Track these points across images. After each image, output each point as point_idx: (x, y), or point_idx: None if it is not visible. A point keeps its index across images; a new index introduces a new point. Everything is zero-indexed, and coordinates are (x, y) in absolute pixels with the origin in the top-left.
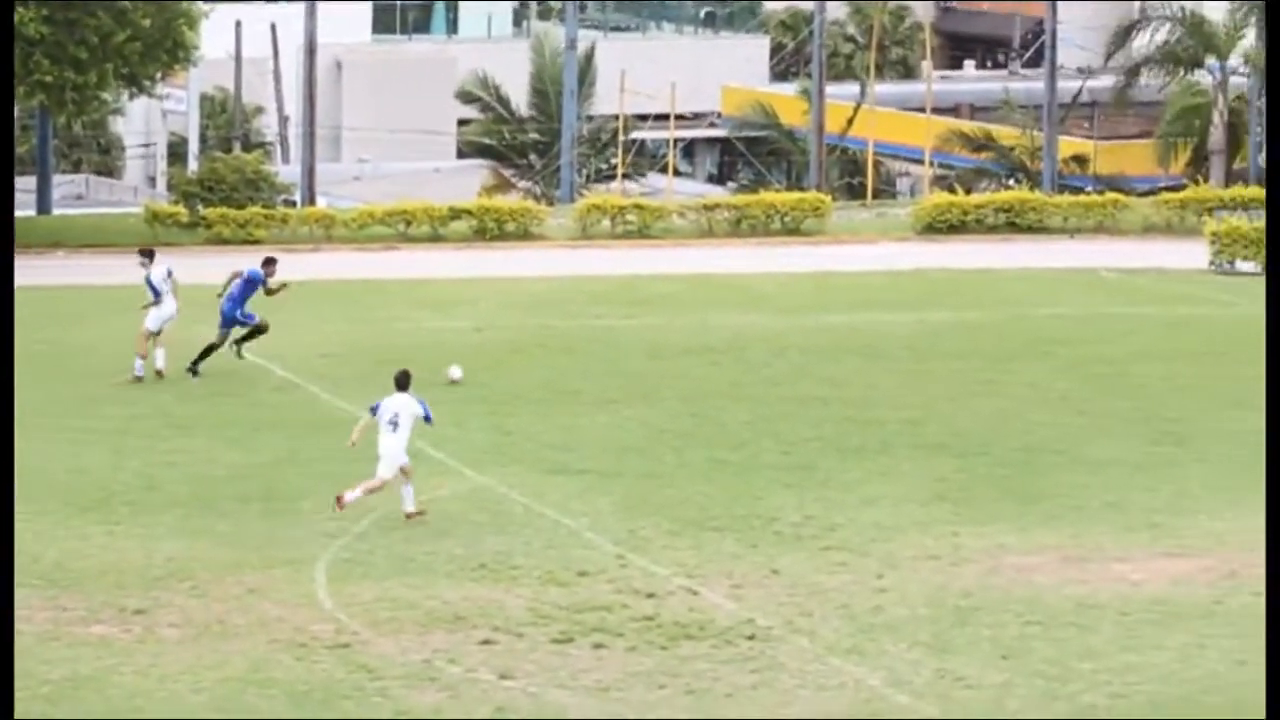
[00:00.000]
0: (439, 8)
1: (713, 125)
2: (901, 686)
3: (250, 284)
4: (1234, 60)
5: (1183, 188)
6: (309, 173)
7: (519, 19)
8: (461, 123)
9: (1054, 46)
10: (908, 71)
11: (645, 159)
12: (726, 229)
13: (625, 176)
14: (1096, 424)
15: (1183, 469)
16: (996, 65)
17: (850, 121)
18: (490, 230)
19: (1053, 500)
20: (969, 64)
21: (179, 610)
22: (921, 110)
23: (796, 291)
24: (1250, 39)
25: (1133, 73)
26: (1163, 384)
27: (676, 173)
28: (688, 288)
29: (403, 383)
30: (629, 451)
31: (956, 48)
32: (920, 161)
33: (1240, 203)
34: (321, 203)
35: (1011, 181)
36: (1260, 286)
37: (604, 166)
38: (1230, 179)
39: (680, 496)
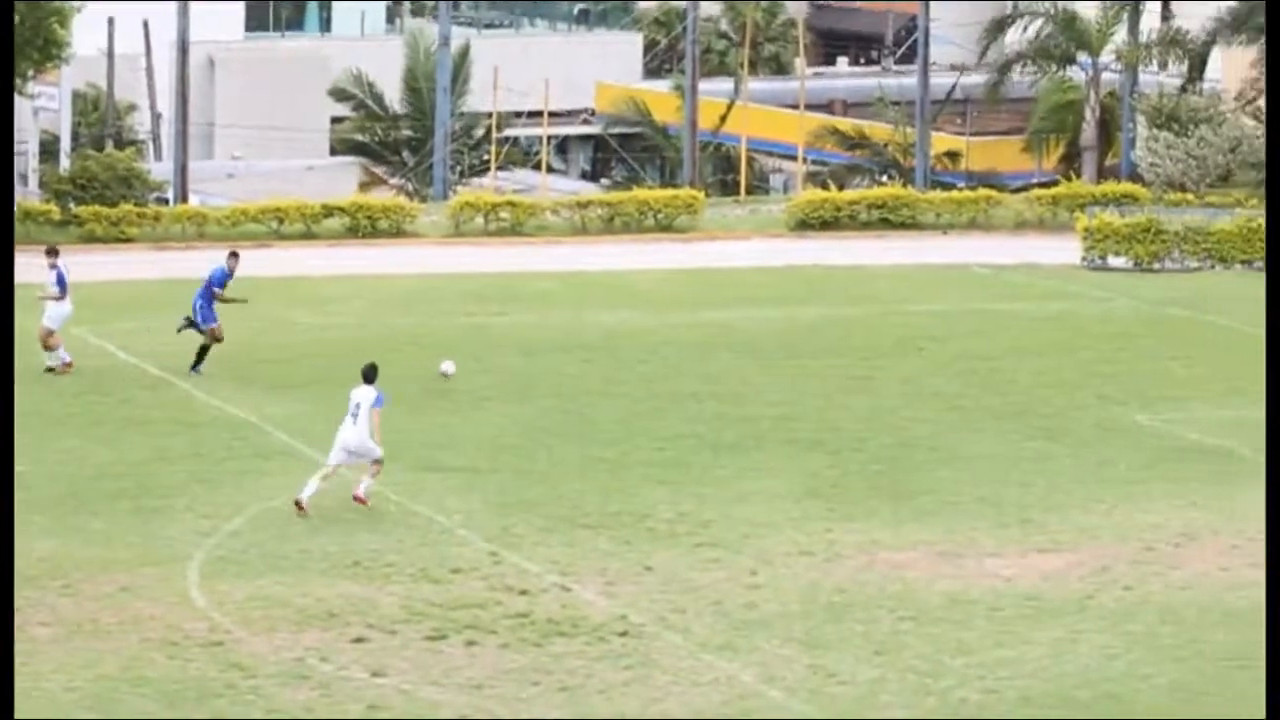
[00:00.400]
0: (312, 6)
1: (586, 122)
2: (774, 682)
3: (221, 285)
4: (1106, 57)
5: (1055, 184)
6: (182, 170)
7: (392, 16)
8: (335, 120)
9: (926, 43)
10: (781, 68)
11: (519, 156)
12: (600, 226)
13: (500, 168)
14: (969, 420)
15: (1055, 464)
16: (870, 62)
17: (724, 118)
18: (363, 228)
19: (926, 496)
20: (842, 61)
21: (50, 609)
22: (795, 107)
23: (670, 288)
24: (1121, 35)
25: (1004, 69)
26: (1035, 379)
27: (550, 170)
28: (561, 285)
29: (369, 375)
30: (503, 449)
31: (830, 44)
32: (794, 158)
33: (1112, 199)
34: (194, 200)
35: (885, 178)
36: (1132, 281)
37: (477, 163)
38: (1102, 175)
39: (554, 494)
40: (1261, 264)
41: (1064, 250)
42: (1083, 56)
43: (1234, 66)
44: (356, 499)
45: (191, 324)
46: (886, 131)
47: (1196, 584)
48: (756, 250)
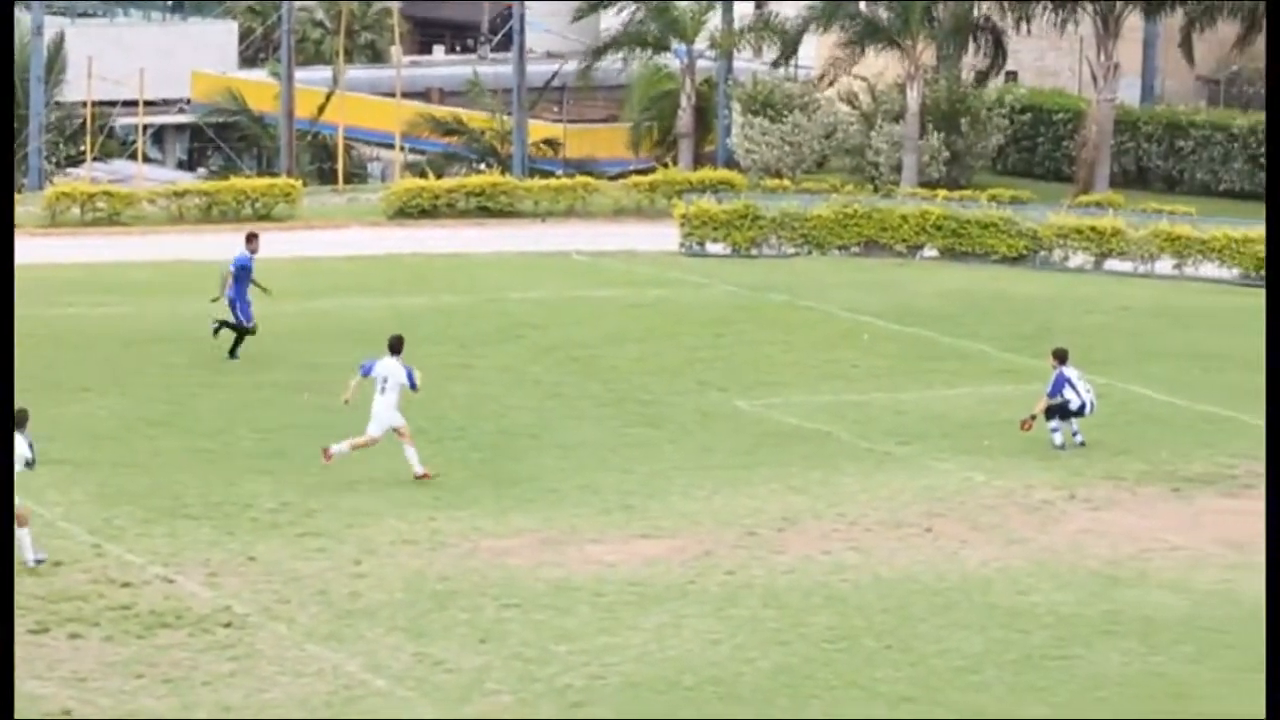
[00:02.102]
0: None
1: (182, 111)
2: (380, 671)
3: (242, 270)
4: (700, 44)
5: (652, 171)
6: None
7: None
8: None
9: (522, 30)
10: (378, 56)
11: (116, 146)
12: (198, 215)
13: (96, 158)
14: (570, 407)
15: (656, 450)
16: (465, 50)
17: (322, 107)
18: None
19: (528, 484)
20: (438, 49)
21: None
22: (392, 95)
23: (270, 277)
24: (715, 22)
25: (597, 55)
26: (635, 366)
27: (147, 159)
28: (159, 274)
29: (395, 347)
30: (104, 440)
31: (425, 32)
32: (391, 146)
33: (709, 185)
34: None
35: (482, 166)
36: (730, 267)
37: (75, 154)
38: (699, 162)
39: (155, 484)
40: (858, 248)
41: (662, 237)
42: (677, 43)
43: (824, 54)
44: (325, 452)
45: (228, 325)
46: (484, 119)
47: (798, 568)
48: (355, 239)
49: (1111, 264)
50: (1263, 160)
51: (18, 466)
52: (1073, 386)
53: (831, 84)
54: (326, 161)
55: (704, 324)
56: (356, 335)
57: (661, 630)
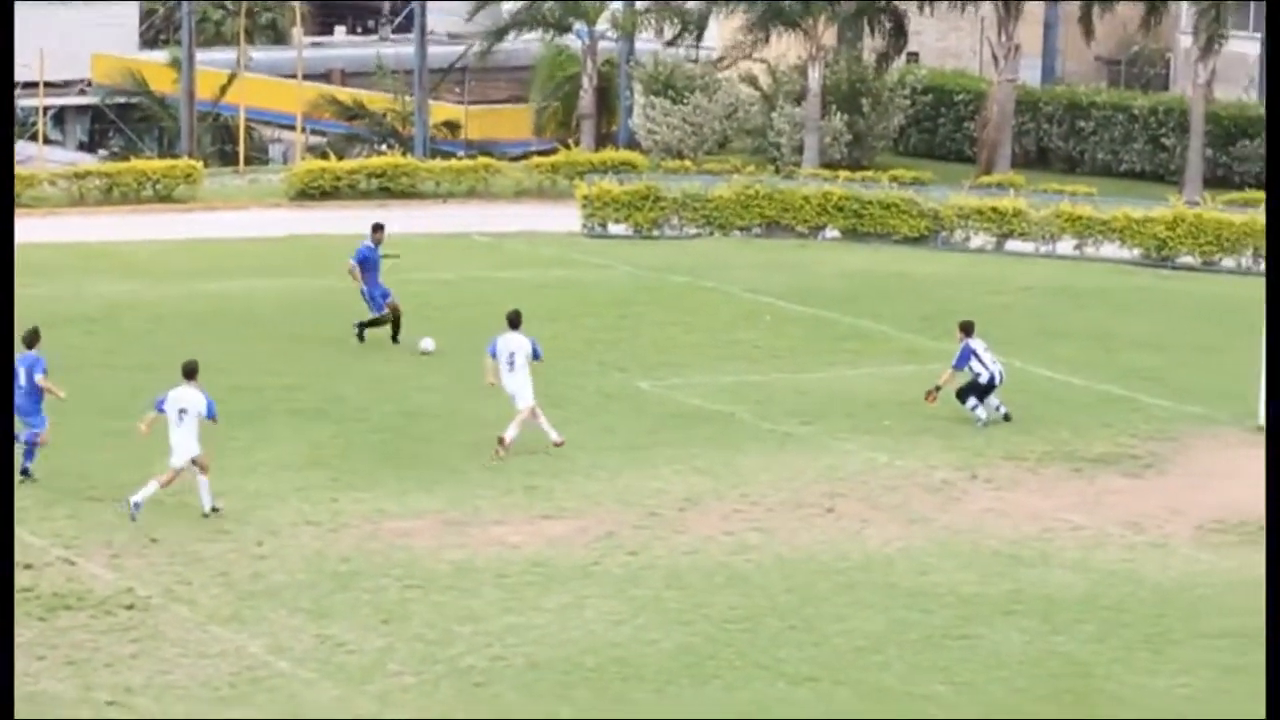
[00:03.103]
0: None
1: (83, 93)
2: (283, 653)
3: (366, 261)
4: (602, 24)
5: (554, 152)
6: None
7: None
8: None
9: (423, 12)
10: (279, 37)
11: (15, 127)
12: (98, 196)
13: None
14: (473, 388)
15: (560, 431)
16: (367, 31)
17: (223, 89)
18: None
19: (431, 465)
20: (340, 30)
21: None
22: (293, 77)
23: (171, 259)
24: (617, 4)
25: (498, 36)
26: (543, 346)
27: (47, 141)
28: (61, 256)
29: (515, 321)
30: None
31: (327, 14)
32: (293, 128)
33: (611, 166)
34: None
35: (384, 147)
36: (632, 248)
37: None
38: (601, 143)
39: (58, 466)
40: (760, 229)
41: (564, 218)
42: (579, 24)
43: (730, 34)
44: (501, 441)
45: (368, 325)
46: (386, 101)
47: (701, 548)
48: (257, 220)
49: (1013, 244)
50: (1163, 140)
51: (197, 416)
52: (979, 358)
53: (731, 66)
54: (228, 143)
55: (606, 305)
56: (255, 317)
57: (564, 611)
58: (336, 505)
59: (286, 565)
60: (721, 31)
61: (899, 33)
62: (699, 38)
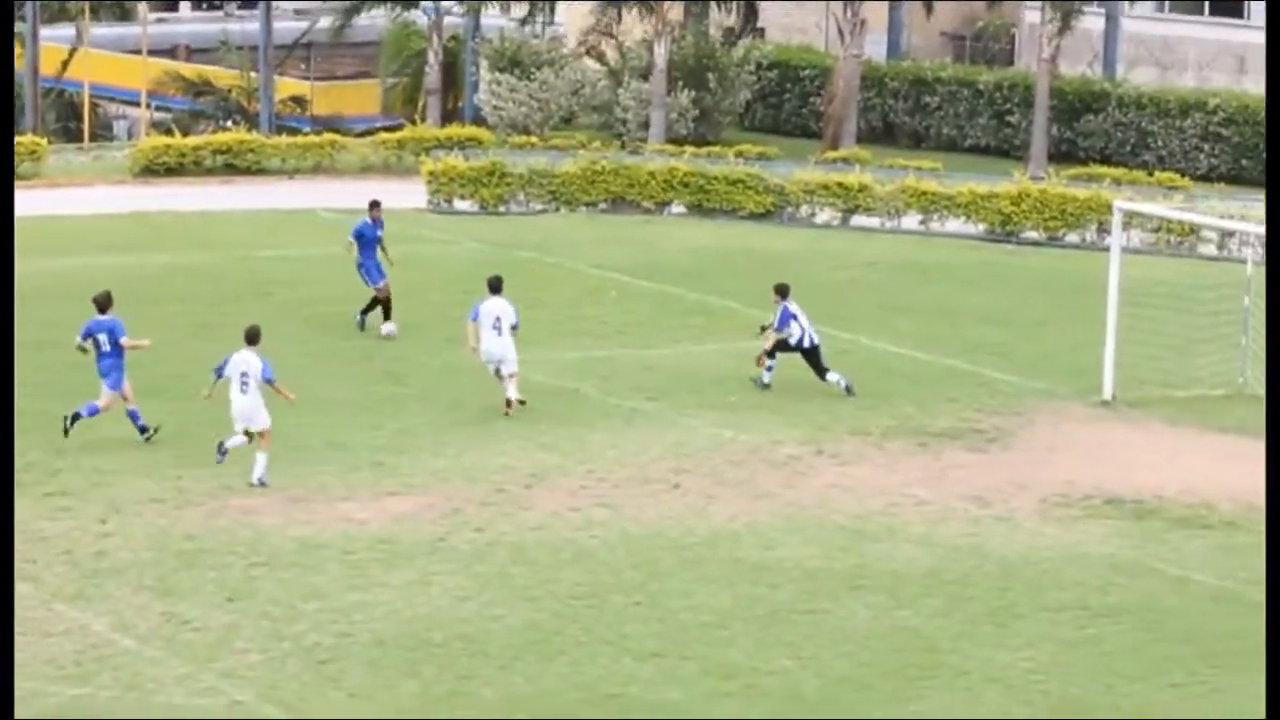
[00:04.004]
0: None
1: None
2: (128, 631)
3: (363, 238)
4: (448, 1)
5: (400, 128)
6: None
7: None
8: None
9: None
10: (124, 13)
11: None
12: None
13: None
14: (318, 365)
15: (403, 407)
16: (213, 6)
17: (66, 64)
18: None
19: (276, 441)
20: (185, 5)
21: None
22: (138, 52)
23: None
24: None
25: (349, 13)
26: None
27: None
28: None
29: (496, 286)
30: None
31: None
32: (138, 104)
33: (457, 142)
34: None
35: (229, 123)
36: (478, 224)
37: None
38: (447, 119)
39: None
40: (606, 205)
41: (410, 194)
42: (425, 0)
43: (575, 11)
44: (511, 403)
45: (371, 307)
46: (231, 77)
47: (547, 524)
48: (101, 197)
49: (858, 220)
50: (1008, 116)
51: (258, 380)
52: (796, 320)
53: (583, 45)
54: (72, 119)
55: (451, 281)
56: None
57: (410, 588)
58: (181, 482)
59: (131, 543)
60: (570, 12)
61: (747, 9)
62: (551, 17)
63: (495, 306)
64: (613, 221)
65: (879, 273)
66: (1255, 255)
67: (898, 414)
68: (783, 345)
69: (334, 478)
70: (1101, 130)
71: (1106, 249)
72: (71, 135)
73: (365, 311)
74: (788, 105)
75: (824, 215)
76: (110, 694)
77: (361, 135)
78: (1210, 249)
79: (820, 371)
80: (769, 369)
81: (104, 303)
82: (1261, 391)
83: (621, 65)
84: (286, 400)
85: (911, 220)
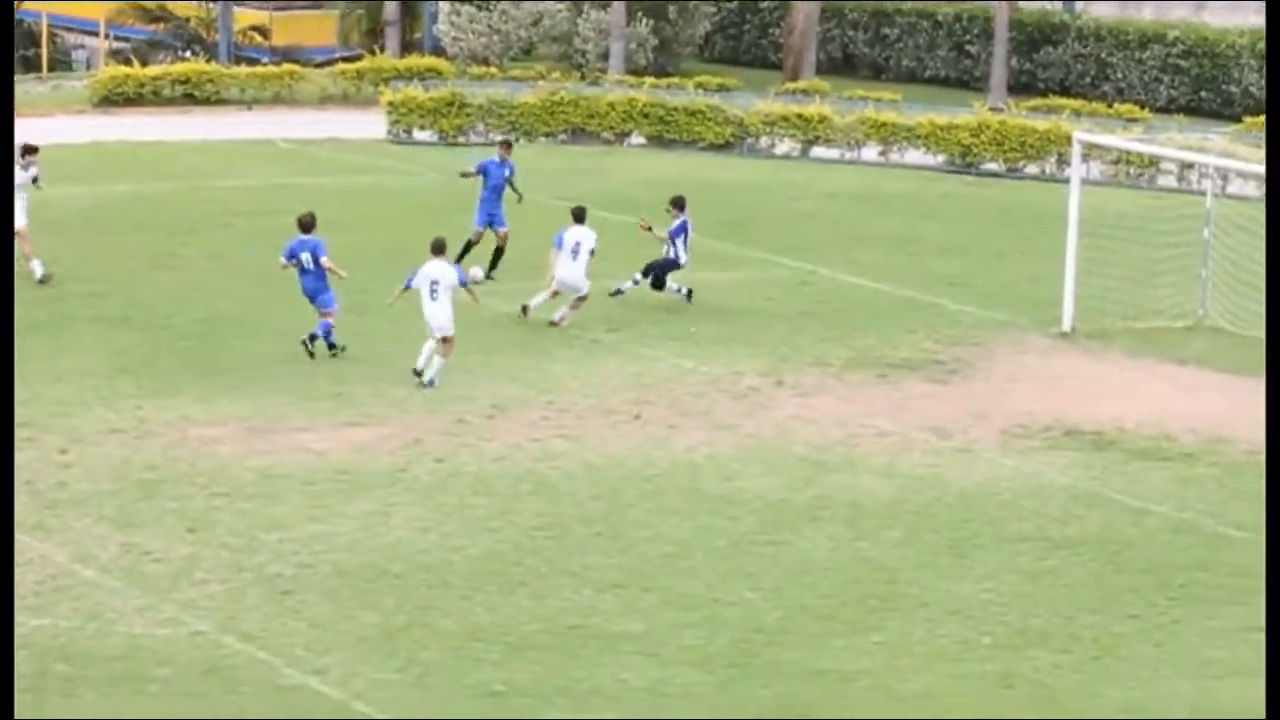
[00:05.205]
0: None
1: None
2: (88, 561)
3: (486, 174)
4: None
5: (359, 58)
6: None
7: None
8: None
9: None
10: None
11: None
12: None
13: None
14: (279, 295)
15: (365, 337)
16: None
17: None
18: None
19: (236, 372)
20: None
21: None
22: None
23: None
24: None
25: None
26: (344, 254)
27: None
28: None
29: (580, 216)
30: None
31: None
32: (96, 34)
33: (416, 73)
34: None
35: (188, 53)
36: (437, 155)
37: None
38: (406, 49)
39: None
40: (565, 136)
41: (369, 125)
42: None
43: None
44: (553, 323)
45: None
46: (190, 7)
47: (508, 455)
48: (60, 127)
49: (818, 151)
50: (967, 47)
51: (449, 288)
52: (687, 235)
53: None
54: (30, 49)
55: (412, 211)
56: (60, 225)
57: (370, 518)
58: (142, 413)
59: (92, 474)
60: None
61: None
62: None
63: (578, 234)
64: (572, 152)
65: (839, 204)
66: (1214, 187)
67: (858, 345)
68: (664, 262)
69: (294, 408)
70: (1061, 62)
71: (1066, 180)
72: (30, 65)
73: (488, 266)
74: (747, 36)
75: (784, 146)
76: (70, 624)
77: (320, 66)
78: (1170, 180)
79: (662, 285)
80: (636, 282)
81: (308, 223)
82: (1223, 324)
83: None
84: (473, 301)
85: (871, 152)
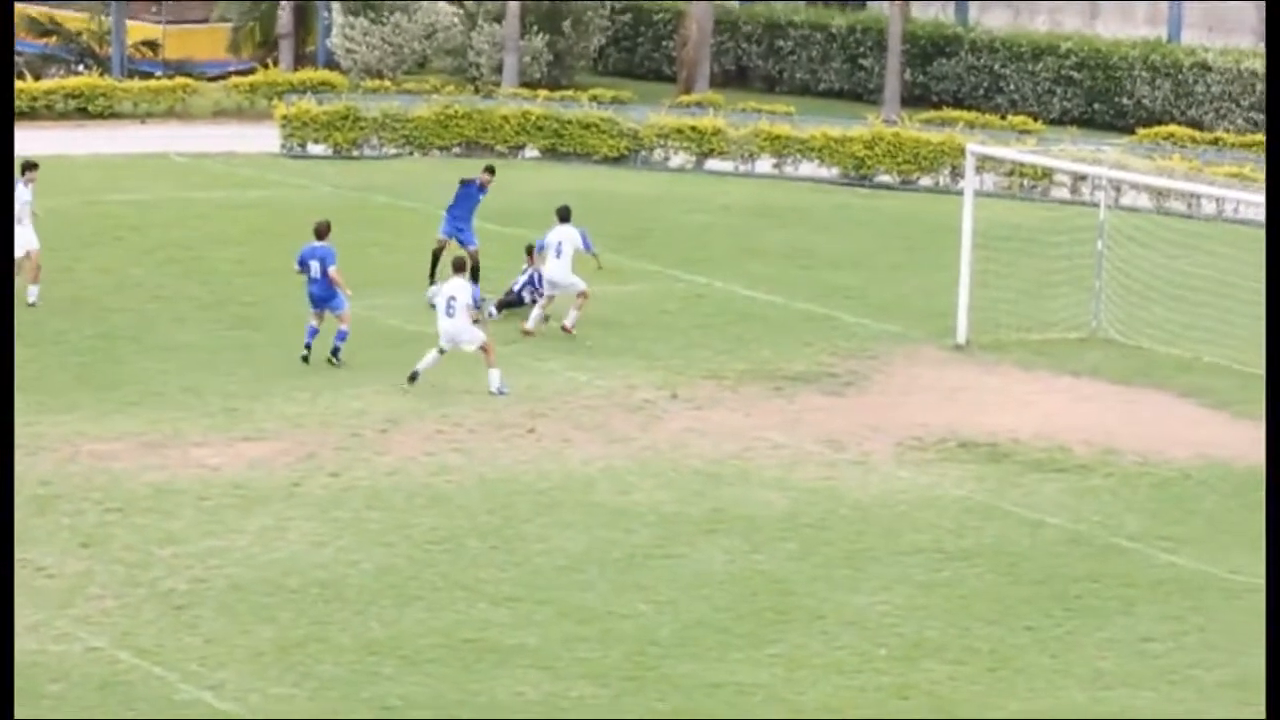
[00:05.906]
0: None
1: None
2: None
3: (467, 196)
4: None
5: (252, 72)
6: None
7: None
8: None
9: None
10: None
11: None
12: None
13: None
14: (172, 309)
15: (258, 353)
16: None
17: None
18: None
19: (130, 387)
20: None
21: None
22: None
23: None
24: None
25: None
26: (237, 268)
27: None
28: None
29: (565, 215)
30: None
31: None
32: None
33: (310, 86)
34: None
35: (81, 67)
36: (332, 168)
37: None
38: (299, 63)
39: None
40: (460, 149)
41: (263, 138)
42: None
43: None
44: (564, 329)
45: (512, 300)
46: (81, 20)
47: (402, 469)
48: None
49: (712, 164)
50: (861, 59)
51: (465, 306)
52: (535, 287)
53: None
54: None
55: (306, 226)
56: None
57: (266, 533)
58: (35, 428)
59: None
60: None
61: None
62: None
63: (561, 233)
64: (467, 166)
65: (733, 216)
66: (1107, 199)
67: (753, 358)
68: (516, 304)
69: (188, 423)
70: (954, 74)
71: (960, 193)
72: None
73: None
74: (641, 49)
75: (678, 159)
76: None
77: (214, 79)
78: (1063, 192)
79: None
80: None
81: (322, 230)
82: (1116, 335)
83: (476, 9)
84: (481, 322)
85: (765, 164)
